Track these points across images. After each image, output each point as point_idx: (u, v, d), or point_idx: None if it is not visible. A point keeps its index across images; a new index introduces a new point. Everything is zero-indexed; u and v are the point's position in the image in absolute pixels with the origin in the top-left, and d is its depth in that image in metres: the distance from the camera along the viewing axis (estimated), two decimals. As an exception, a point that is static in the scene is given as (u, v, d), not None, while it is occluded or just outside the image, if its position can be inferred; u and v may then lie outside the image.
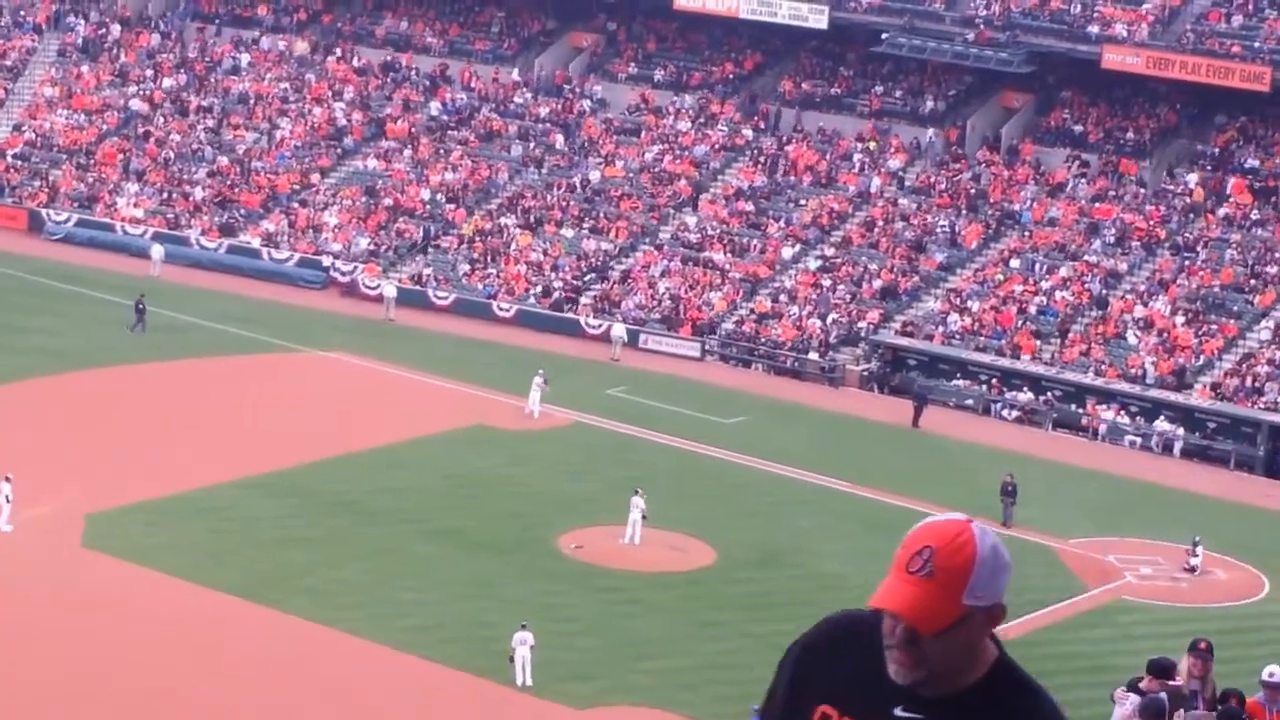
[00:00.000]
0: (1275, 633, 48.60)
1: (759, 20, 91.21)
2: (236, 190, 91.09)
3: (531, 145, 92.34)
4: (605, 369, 74.31)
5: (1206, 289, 77.60)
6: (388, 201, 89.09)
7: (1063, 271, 79.65)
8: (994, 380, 73.36)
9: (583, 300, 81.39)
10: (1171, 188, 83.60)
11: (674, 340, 78.47)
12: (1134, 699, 17.40)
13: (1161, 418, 70.55)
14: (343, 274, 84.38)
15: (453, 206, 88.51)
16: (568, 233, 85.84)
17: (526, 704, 42.32)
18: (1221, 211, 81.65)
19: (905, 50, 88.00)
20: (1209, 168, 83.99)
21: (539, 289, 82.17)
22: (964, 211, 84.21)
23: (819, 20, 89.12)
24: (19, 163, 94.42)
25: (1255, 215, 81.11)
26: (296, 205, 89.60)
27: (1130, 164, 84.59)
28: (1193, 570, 54.56)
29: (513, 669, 42.78)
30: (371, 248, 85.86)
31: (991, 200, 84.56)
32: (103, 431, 59.92)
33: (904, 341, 77.07)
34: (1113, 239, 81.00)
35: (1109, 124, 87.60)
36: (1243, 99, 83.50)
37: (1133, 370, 73.41)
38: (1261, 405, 70.75)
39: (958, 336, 76.88)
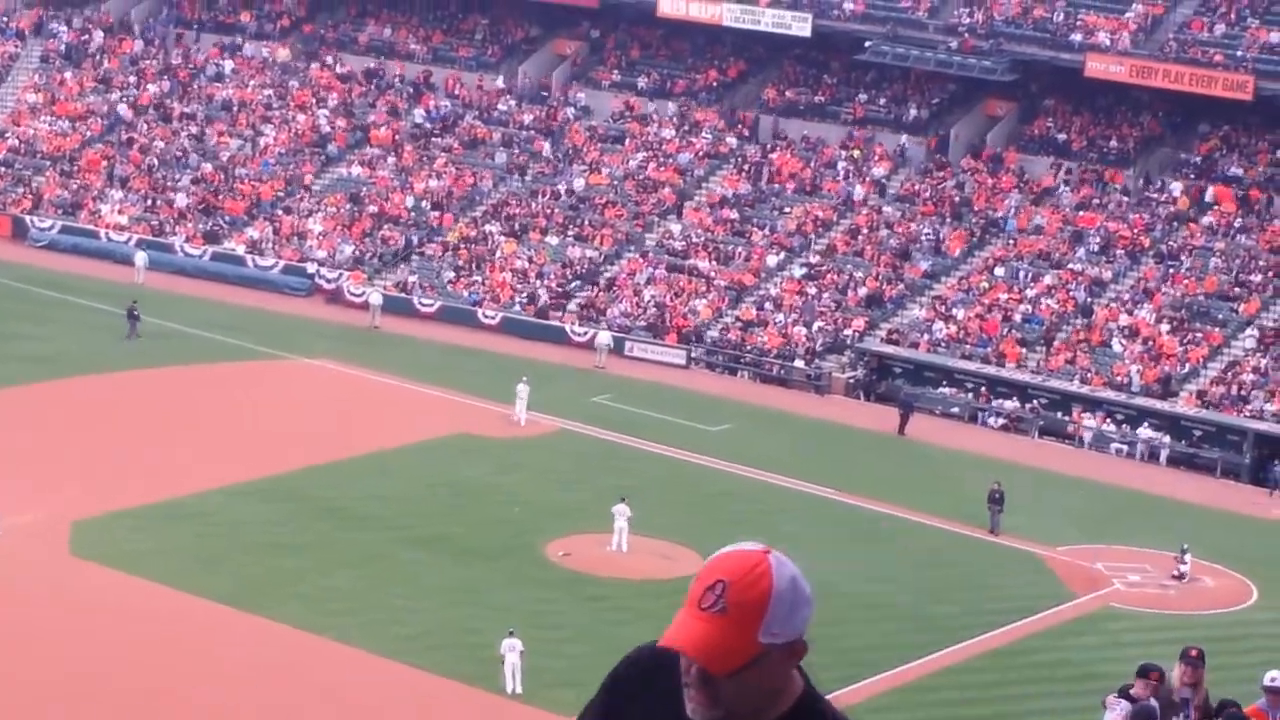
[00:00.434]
0: (1263, 640, 48.68)
1: (742, 28, 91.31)
2: (221, 197, 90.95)
3: (515, 152, 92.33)
4: (590, 376, 74.30)
5: (1191, 297, 77.75)
6: (372, 209, 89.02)
7: (1047, 279, 79.78)
8: (982, 389, 73.40)
9: (570, 306, 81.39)
10: (1155, 196, 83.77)
11: (659, 348, 78.47)
12: (1124, 705, 17.41)
13: (1146, 425, 70.68)
14: (328, 281, 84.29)
15: (437, 214, 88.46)
16: (552, 240, 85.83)
17: (516, 711, 42.26)
18: (1206, 220, 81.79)
19: (889, 58, 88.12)
20: (1192, 176, 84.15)
21: (524, 296, 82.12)
22: (948, 219, 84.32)
23: (802, 28, 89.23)
24: (2, 169, 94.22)
25: (1239, 223, 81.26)
26: (281, 212, 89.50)
27: (1117, 173, 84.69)
28: (1180, 578, 54.62)
29: (502, 676, 42.73)
30: (356, 255, 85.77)
31: (976, 208, 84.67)
32: (88, 438, 59.76)
33: (889, 349, 77.14)
34: (1097, 247, 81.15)
35: (1092, 132, 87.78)
36: (1225, 107, 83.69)
37: (1118, 378, 73.54)
38: (1247, 413, 70.91)
39: (943, 344, 76.95)
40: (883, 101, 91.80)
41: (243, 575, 48.77)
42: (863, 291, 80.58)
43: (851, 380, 76.21)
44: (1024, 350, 76.02)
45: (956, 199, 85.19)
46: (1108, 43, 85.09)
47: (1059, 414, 72.25)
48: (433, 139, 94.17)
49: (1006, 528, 57.51)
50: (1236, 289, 78.03)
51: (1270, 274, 78.39)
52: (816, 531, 57.04)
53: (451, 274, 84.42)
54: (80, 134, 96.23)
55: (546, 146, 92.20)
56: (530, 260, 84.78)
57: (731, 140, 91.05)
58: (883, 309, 79.84)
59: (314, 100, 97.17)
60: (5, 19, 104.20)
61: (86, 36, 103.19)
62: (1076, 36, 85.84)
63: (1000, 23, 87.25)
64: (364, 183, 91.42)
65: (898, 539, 57.36)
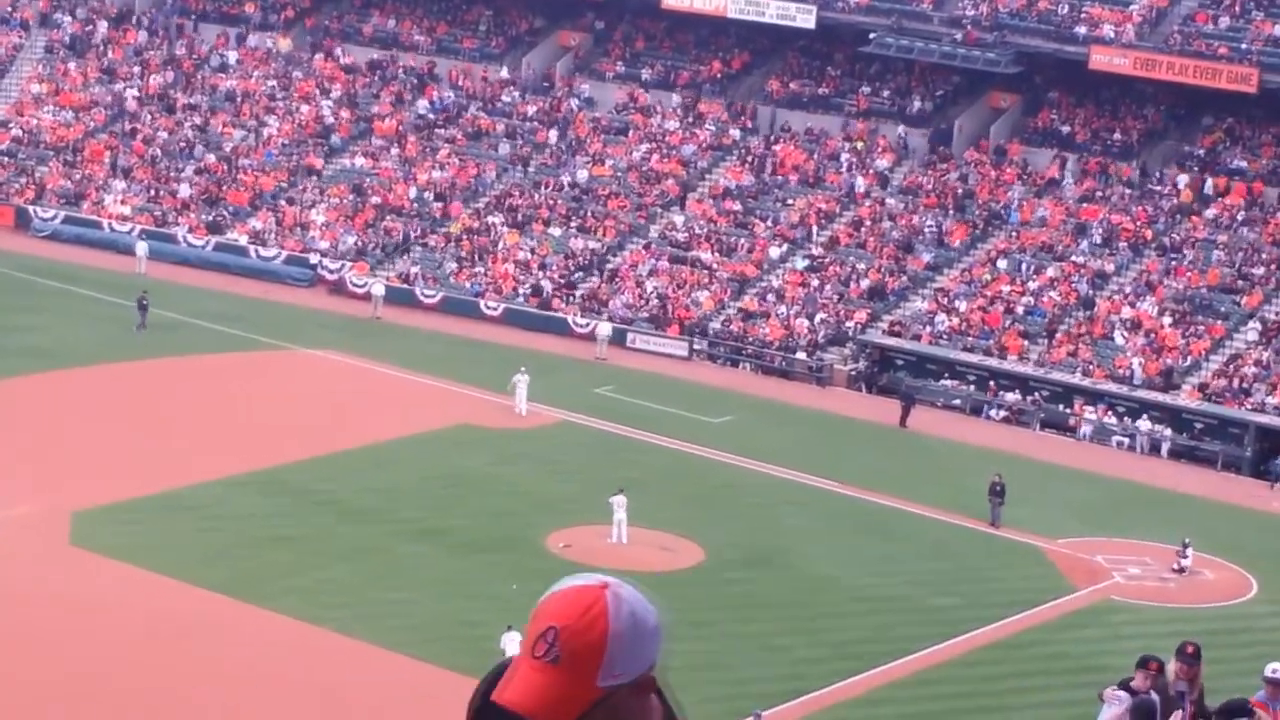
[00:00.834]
0: (1263, 633, 48.63)
1: (747, 20, 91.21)
2: (224, 188, 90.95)
3: (519, 144, 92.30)
4: (592, 368, 74.28)
5: (1194, 290, 77.66)
6: (375, 200, 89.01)
7: (1050, 272, 79.70)
8: (990, 383, 73.25)
9: (578, 293, 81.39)
10: (1159, 188, 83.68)
11: (661, 339, 78.45)
12: (1124, 696, 17.41)
13: (1145, 417, 70.60)
14: (330, 272, 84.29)
15: (440, 205, 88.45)
16: (555, 231, 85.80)
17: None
18: (1209, 213, 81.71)
19: (893, 50, 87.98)
20: (1196, 169, 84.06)
21: (527, 288, 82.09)
22: (951, 211, 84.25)
23: (807, 20, 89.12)
24: (6, 159, 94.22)
25: (1242, 216, 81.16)
26: (284, 203, 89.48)
27: (1125, 166, 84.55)
28: (1181, 571, 54.58)
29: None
30: (359, 246, 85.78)
31: (979, 200, 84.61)
32: (88, 429, 59.79)
33: (891, 341, 77.07)
34: (1100, 239, 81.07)
35: (1096, 124, 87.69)
36: (1230, 100, 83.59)
37: (1120, 371, 73.47)
38: (1249, 406, 70.82)
39: (945, 336, 76.89)
40: (886, 94, 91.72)
41: (241, 567, 48.79)
42: (865, 283, 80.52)
43: (853, 372, 76.17)
44: (1026, 343, 75.94)
45: (960, 191, 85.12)
46: (1112, 35, 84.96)
47: (1060, 406, 72.20)
48: (436, 130, 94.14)
49: (1007, 520, 57.49)
50: (1239, 282, 77.93)
51: (1273, 267, 78.30)
52: (817, 523, 57.08)
53: (454, 265, 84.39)
54: (84, 124, 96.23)
55: (551, 135, 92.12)
56: (533, 252, 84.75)
57: (735, 132, 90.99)
58: (885, 301, 79.78)
59: (318, 91, 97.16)
60: (10, 9, 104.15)
61: (91, 27, 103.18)
62: (1081, 29, 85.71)
63: (1004, 15, 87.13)
64: (367, 174, 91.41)
65: (898, 532, 57.35)
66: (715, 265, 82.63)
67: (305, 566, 49.49)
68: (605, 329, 77.24)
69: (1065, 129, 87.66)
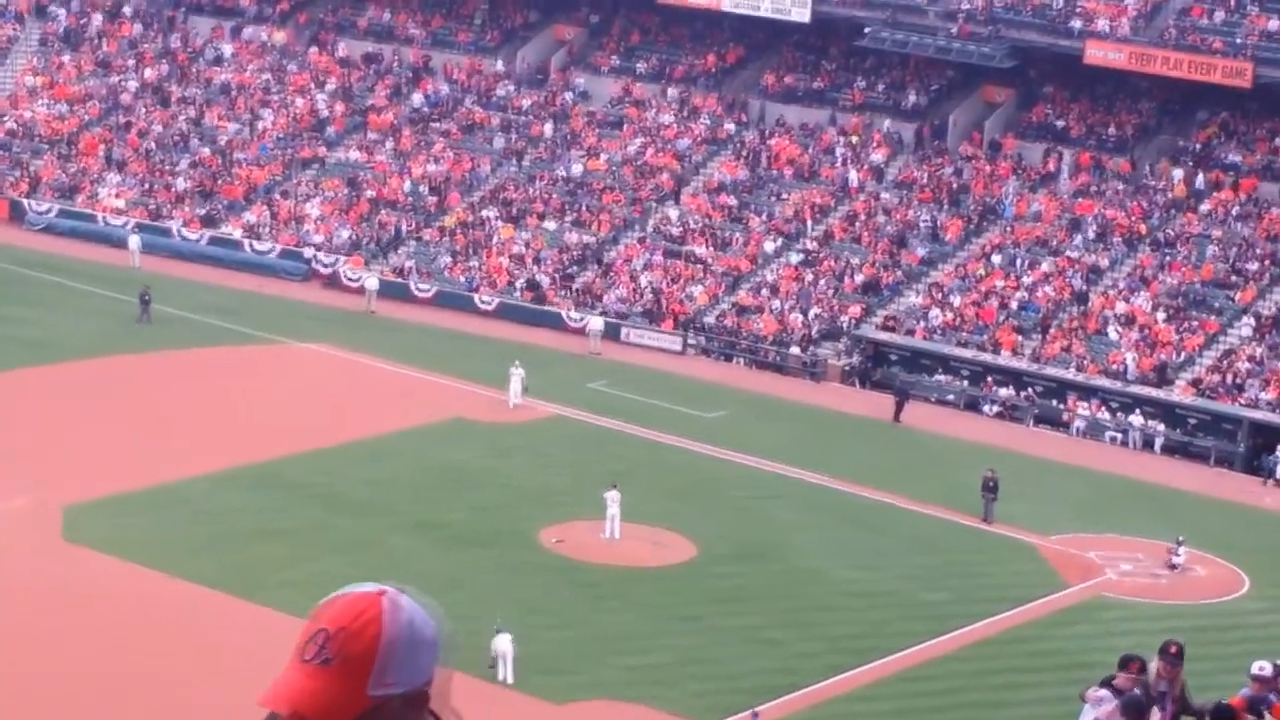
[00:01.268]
0: (1254, 630, 48.65)
1: (741, 13, 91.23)
2: (219, 181, 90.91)
3: (514, 138, 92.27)
4: (586, 362, 74.29)
5: (1188, 285, 77.68)
6: (370, 193, 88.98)
7: (1044, 267, 79.70)
8: (984, 379, 73.26)
9: (575, 285, 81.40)
10: (1153, 183, 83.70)
11: (655, 334, 78.47)
12: (1106, 695, 17.43)
13: (1138, 412, 70.61)
14: (325, 265, 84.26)
15: (435, 198, 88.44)
16: (550, 225, 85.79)
17: (505, 698, 42.26)
18: (1204, 207, 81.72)
19: (887, 44, 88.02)
20: (1190, 164, 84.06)
21: (521, 282, 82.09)
22: (946, 206, 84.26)
23: (801, 14, 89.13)
24: (0, 152, 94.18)
25: (1236, 211, 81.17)
26: (278, 196, 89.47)
27: (1124, 161, 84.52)
28: (1174, 568, 54.59)
29: (494, 666, 42.72)
30: (353, 239, 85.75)
31: (974, 195, 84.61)
32: (81, 423, 59.75)
33: (885, 336, 77.10)
34: (1094, 234, 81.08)
35: (1091, 119, 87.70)
36: (1224, 95, 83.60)
37: (1114, 366, 73.48)
38: (1242, 402, 70.84)
39: (939, 331, 76.91)
40: (881, 88, 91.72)
41: (234, 560, 48.77)
42: (860, 278, 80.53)
43: (847, 367, 76.19)
44: (1020, 338, 75.95)
45: (954, 186, 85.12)
46: (1107, 29, 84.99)
47: (1054, 402, 72.22)
48: (431, 123, 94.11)
49: (1000, 516, 57.50)
50: (1233, 277, 77.93)
51: (1267, 262, 78.29)
52: (809, 518, 57.12)
53: (448, 259, 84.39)
54: (78, 117, 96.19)
55: (546, 129, 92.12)
56: (527, 245, 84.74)
57: (730, 126, 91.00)
58: (879, 295, 79.79)
59: (312, 84, 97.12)
60: (4, 1, 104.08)
61: (85, 19, 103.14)
62: (1076, 23, 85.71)
63: (999, 9, 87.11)
64: (361, 167, 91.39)
65: (891, 527, 57.38)
66: (709, 259, 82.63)
67: (298, 560, 49.43)
68: (597, 323, 77.23)
69: (1060, 123, 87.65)
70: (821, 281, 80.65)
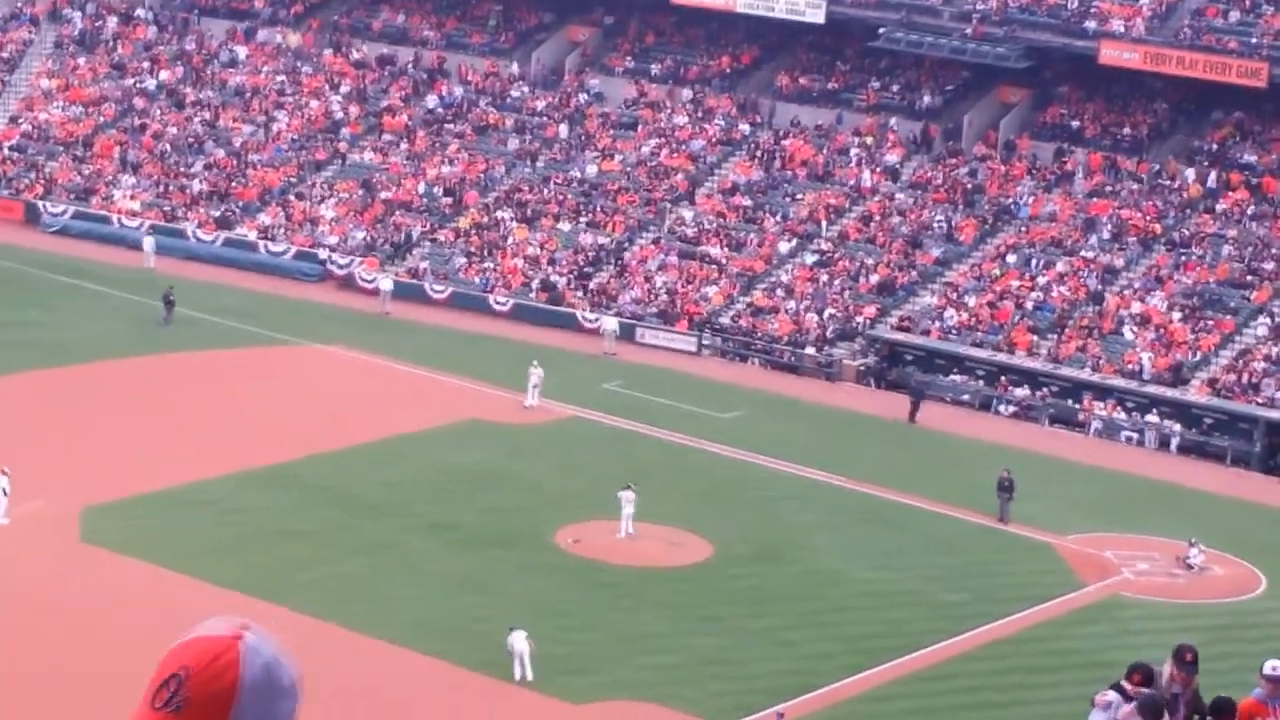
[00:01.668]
0: (1272, 629, 48.58)
1: (756, 14, 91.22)
2: (233, 183, 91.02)
3: (528, 139, 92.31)
4: (601, 363, 74.30)
5: (1203, 285, 77.60)
6: (384, 195, 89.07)
7: (1059, 267, 79.64)
8: (999, 379, 73.20)
9: (590, 285, 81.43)
10: (1168, 183, 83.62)
11: (670, 334, 78.47)
12: (1116, 697, 17.37)
13: (1154, 412, 70.55)
14: (340, 267, 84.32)
15: (449, 200, 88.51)
16: (564, 227, 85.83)
17: (524, 698, 42.34)
18: (1219, 207, 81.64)
19: (902, 45, 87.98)
20: (1206, 164, 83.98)
21: (536, 283, 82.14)
22: (960, 206, 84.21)
23: (816, 15, 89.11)
24: (15, 155, 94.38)
25: (1251, 210, 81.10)
26: (293, 198, 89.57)
27: (1143, 162, 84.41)
28: (1189, 568, 54.54)
29: (512, 665, 42.79)
30: (368, 241, 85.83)
31: (988, 195, 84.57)
32: (99, 425, 59.86)
33: (901, 336, 77.07)
34: (1109, 234, 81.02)
35: (1106, 119, 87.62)
36: (1239, 95, 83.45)
37: (1129, 366, 73.42)
38: (1258, 401, 70.76)
39: (954, 331, 76.87)
40: (896, 89, 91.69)
41: (252, 562, 48.85)
42: (874, 278, 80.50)
43: (862, 367, 76.16)
44: (1035, 338, 75.90)
45: (969, 186, 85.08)
46: (1122, 30, 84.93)
47: (1069, 402, 72.17)
48: (445, 125, 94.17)
49: (1016, 516, 57.49)
50: (1249, 277, 77.85)
51: (1283, 262, 78.25)
52: (825, 518, 57.14)
53: (463, 260, 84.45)
54: (93, 120, 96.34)
55: (561, 130, 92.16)
56: (542, 247, 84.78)
57: (744, 127, 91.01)
58: (894, 296, 79.76)
59: (327, 86, 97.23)
60: (20, 5, 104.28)
61: (100, 22, 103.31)
62: (1090, 23, 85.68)
63: (1014, 9, 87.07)
64: (376, 169, 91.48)
65: (907, 527, 57.38)
66: (724, 260, 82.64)
67: (317, 561, 49.55)
68: (611, 324, 77.23)
69: (1075, 124, 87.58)
70: (836, 282, 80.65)
